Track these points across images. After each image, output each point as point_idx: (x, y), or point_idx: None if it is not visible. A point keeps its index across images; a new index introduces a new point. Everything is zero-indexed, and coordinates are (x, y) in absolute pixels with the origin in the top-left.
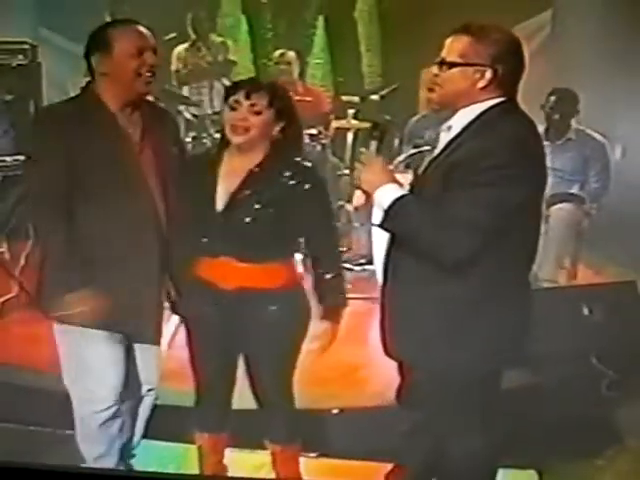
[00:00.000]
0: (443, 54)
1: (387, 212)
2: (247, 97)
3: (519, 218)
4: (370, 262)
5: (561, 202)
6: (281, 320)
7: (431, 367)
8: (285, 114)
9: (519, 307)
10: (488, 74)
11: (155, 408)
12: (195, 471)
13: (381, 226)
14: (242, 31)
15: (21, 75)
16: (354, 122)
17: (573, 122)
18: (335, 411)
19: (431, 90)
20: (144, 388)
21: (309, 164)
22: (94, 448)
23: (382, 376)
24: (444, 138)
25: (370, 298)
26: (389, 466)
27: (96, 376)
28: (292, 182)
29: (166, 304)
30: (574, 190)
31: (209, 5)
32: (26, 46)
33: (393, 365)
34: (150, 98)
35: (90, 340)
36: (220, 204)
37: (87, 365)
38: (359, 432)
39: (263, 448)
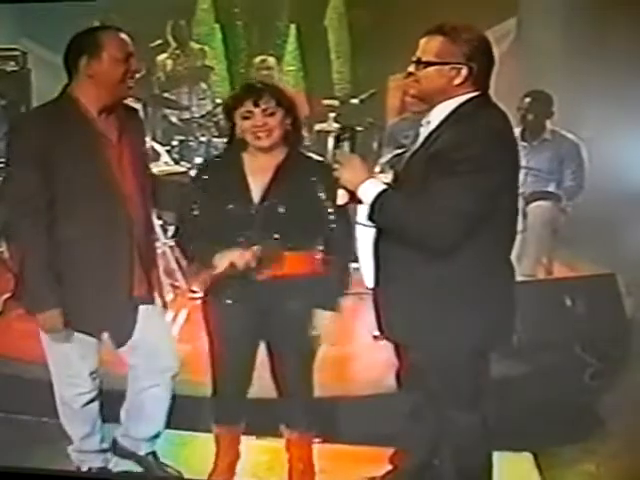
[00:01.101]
0: (419, 54)
1: (372, 206)
2: (256, 105)
3: (497, 202)
4: (355, 260)
5: (538, 200)
6: (307, 308)
7: (425, 347)
8: (291, 108)
9: (504, 285)
10: (464, 71)
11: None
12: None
13: (369, 220)
14: (217, 39)
15: (13, 81)
16: (335, 125)
17: (548, 123)
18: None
19: (405, 94)
20: (157, 378)
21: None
22: (79, 429)
23: (373, 366)
24: (423, 132)
25: (357, 293)
26: (391, 450)
27: (74, 365)
28: (311, 175)
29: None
30: (551, 188)
31: (185, 14)
32: (17, 53)
33: (382, 356)
34: (130, 103)
35: (65, 337)
36: (256, 198)
37: (65, 355)
38: (359, 419)
39: (277, 435)
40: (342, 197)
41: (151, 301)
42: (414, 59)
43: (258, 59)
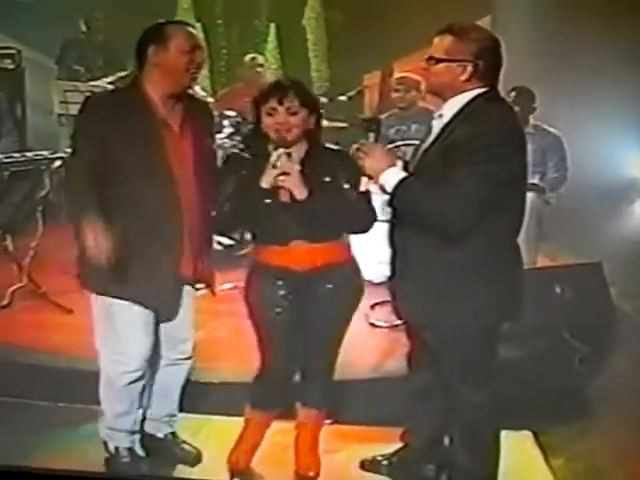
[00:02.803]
0: (431, 51)
1: (394, 192)
2: (280, 103)
3: (507, 190)
4: None
5: None
6: (338, 296)
7: (439, 327)
8: (314, 108)
9: (512, 267)
10: (469, 68)
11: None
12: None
13: (389, 205)
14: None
15: (8, 78)
16: (324, 122)
17: (531, 118)
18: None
19: (397, 91)
20: (176, 356)
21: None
22: (117, 406)
23: (371, 352)
24: (436, 125)
25: None
26: (400, 430)
27: (125, 342)
28: (334, 166)
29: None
30: (535, 180)
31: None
32: (13, 51)
33: (379, 343)
34: None
35: (121, 310)
36: (286, 194)
37: (117, 331)
38: (363, 401)
39: (292, 415)
40: (365, 184)
41: (192, 284)
42: (427, 56)
43: (248, 57)
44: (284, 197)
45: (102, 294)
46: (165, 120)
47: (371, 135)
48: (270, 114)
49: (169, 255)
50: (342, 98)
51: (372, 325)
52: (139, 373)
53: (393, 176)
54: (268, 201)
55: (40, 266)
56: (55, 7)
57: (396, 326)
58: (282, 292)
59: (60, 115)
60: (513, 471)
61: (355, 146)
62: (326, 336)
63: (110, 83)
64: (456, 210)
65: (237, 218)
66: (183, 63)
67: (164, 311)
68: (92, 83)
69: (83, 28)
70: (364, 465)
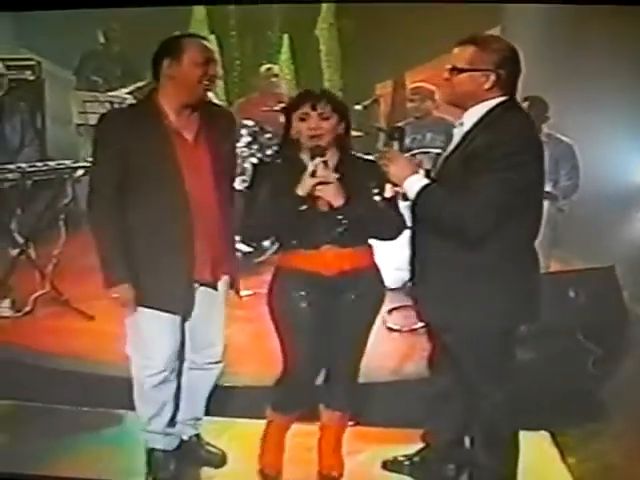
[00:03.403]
0: (453, 61)
1: (416, 199)
2: (313, 108)
3: (526, 197)
4: None
5: None
6: (363, 300)
7: (459, 328)
8: (345, 115)
9: (529, 271)
10: (492, 77)
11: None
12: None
13: (412, 211)
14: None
15: (29, 89)
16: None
17: (544, 127)
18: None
19: (412, 101)
20: (204, 360)
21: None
22: (148, 409)
23: (390, 356)
24: (457, 134)
25: None
26: (420, 431)
27: (148, 345)
28: (364, 175)
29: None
30: (548, 188)
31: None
32: (33, 62)
33: (397, 347)
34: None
35: (143, 314)
36: (324, 202)
37: (143, 335)
38: (386, 404)
39: (315, 417)
40: (389, 190)
41: (213, 286)
42: (449, 66)
43: (264, 68)
44: (322, 205)
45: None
46: (178, 130)
47: (395, 143)
48: (303, 119)
49: (181, 261)
50: (357, 107)
51: (390, 329)
52: (164, 375)
53: (416, 183)
54: (303, 208)
55: (61, 273)
56: (72, 20)
57: (413, 330)
58: (310, 296)
59: (79, 125)
60: (531, 470)
61: (377, 155)
62: (351, 339)
63: (128, 93)
64: (476, 216)
65: (270, 225)
66: (197, 75)
67: (178, 311)
68: (111, 93)
69: (101, 39)
70: (386, 465)
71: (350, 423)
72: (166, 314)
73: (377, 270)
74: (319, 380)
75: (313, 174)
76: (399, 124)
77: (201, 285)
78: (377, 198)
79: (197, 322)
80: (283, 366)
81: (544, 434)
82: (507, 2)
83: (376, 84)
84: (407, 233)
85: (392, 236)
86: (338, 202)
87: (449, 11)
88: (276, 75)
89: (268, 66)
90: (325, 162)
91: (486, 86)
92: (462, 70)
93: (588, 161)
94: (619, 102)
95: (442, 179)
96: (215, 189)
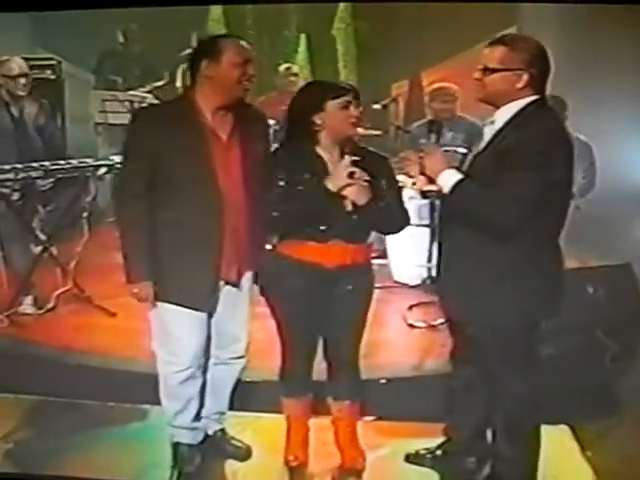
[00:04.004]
0: (484, 61)
1: (451, 193)
2: (356, 97)
3: (556, 193)
4: (380, 257)
5: None
6: (357, 294)
7: (485, 321)
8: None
9: (553, 266)
10: (525, 77)
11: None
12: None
13: (445, 204)
14: None
15: (50, 88)
16: (360, 130)
17: None
18: (383, 381)
19: (435, 101)
20: (228, 355)
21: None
22: (175, 404)
23: (413, 351)
24: (488, 132)
25: (387, 287)
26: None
27: (177, 342)
28: (377, 170)
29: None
30: None
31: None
32: (53, 62)
33: (418, 343)
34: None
35: (169, 310)
36: (349, 201)
37: (169, 332)
38: (408, 398)
39: (325, 411)
40: (421, 182)
41: (237, 285)
42: (480, 67)
43: (283, 67)
44: (347, 204)
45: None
46: (214, 130)
47: (432, 137)
48: (346, 107)
49: (209, 259)
50: (376, 106)
51: (410, 326)
52: (190, 371)
53: (451, 177)
54: (328, 202)
55: (83, 271)
56: (90, 20)
57: (433, 326)
58: (307, 285)
59: (98, 124)
60: (552, 462)
61: (401, 154)
62: (347, 330)
63: (147, 92)
64: (507, 212)
65: (294, 216)
66: (235, 76)
67: (202, 308)
68: (130, 92)
69: (120, 39)
70: (409, 458)
71: (371, 418)
72: (194, 311)
73: (371, 267)
74: (323, 376)
75: (351, 175)
76: (416, 123)
77: (226, 283)
78: (388, 192)
79: (222, 319)
80: (282, 349)
81: (564, 428)
82: (523, 2)
83: (392, 84)
84: (423, 231)
85: (396, 230)
86: (362, 202)
87: (465, 11)
88: (295, 74)
89: (287, 65)
90: (355, 161)
91: (519, 85)
92: (494, 70)
93: (604, 159)
94: (636, 101)
95: (474, 175)
96: (245, 188)
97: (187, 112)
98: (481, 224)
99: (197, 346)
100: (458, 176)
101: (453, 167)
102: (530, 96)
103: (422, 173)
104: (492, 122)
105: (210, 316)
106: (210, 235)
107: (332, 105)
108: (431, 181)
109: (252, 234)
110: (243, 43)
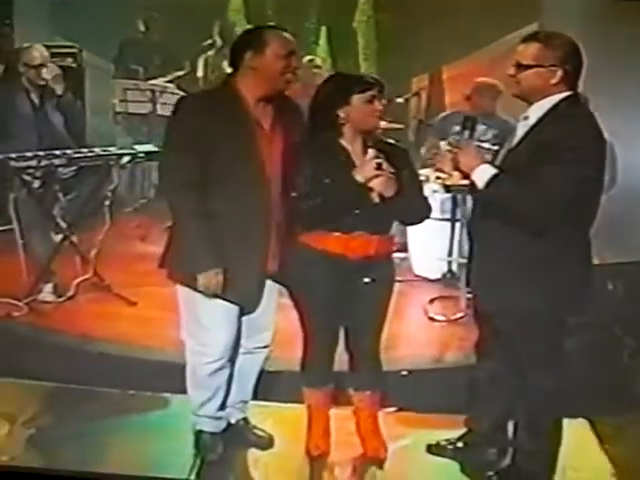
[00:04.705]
0: (518, 58)
1: (487, 187)
2: (380, 91)
3: (589, 188)
4: (400, 250)
5: None
6: (379, 285)
7: (513, 314)
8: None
9: (585, 260)
10: (559, 73)
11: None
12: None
13: (481, 198)
14: None
15: (70, 77)
16: (382, 123)
17: None
18: (404, 373)
19: (474, 94)
20: (254, 344)
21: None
22: (202, 394)
23: (433, 343)
24: (522, 127)
25: (408, 281)
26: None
27: (208, 333)
28: (400, 163)
29: None
30: None
31: (216, 16)
32: (74, 50)
33: (439, 335)
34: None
35: (205, 302)
36: (375, 193)
37: (202, 324)
38: (429, 390)
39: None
40: (455, 177)
41: (278, 279)
42: (514, 63)
43: (306, 59)
44: (374, 195)
45: (188, 286)
46: (258, 120)
47: (466, 132)
48: (370, 101)
49: (257, 252)
50: (399, 100)
51: (431, 319)
52: (221, 362)
53: (486, 172)
54: (355, 194)
55: (103, 259)
56: (110, 9)
57: (453, 320)
58: (332, 277)
59: (117, 113)
60: (571, 455)
61: (433, 149)
62: (368, 322)
63: (168, 82)
64: (544, 207)
65: (325, 210)
66: (279, 67)
67: (247, 305)
68: (152, 82)
69: (141, 28)
70: (430, 449)
71: (392, 409)
72: (227, 304)
73: (392, 259)
74: (344, 367)
75: (378, 167)
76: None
77: (269, 278)
78: (410, 184)
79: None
80: (304, 339)
81: (583, 421)
82: None
83: (412, 78)
84: (444, 225)
85: (418, 221)
86: (389, 193)
87: (487, 6)
88: (318, 66)
89: (310, 57)
90: (379, 155)
91: (553, 81)
92: (528, 66)
93: (624, 156)
94: None
95: (507, 170)
96: (285, 181)
97: (231, 101)
98: (516, 219)
99: (229, 338)
100: (492, 171)
101: (487, 162)
102: (563, 92)
103: (456, 168)
104: (526, 118)
105: (243, 310)
106: (259, 228)
107: (358, 99)
108: (464, 176)
109: (290, 226)
110: (287, 35)
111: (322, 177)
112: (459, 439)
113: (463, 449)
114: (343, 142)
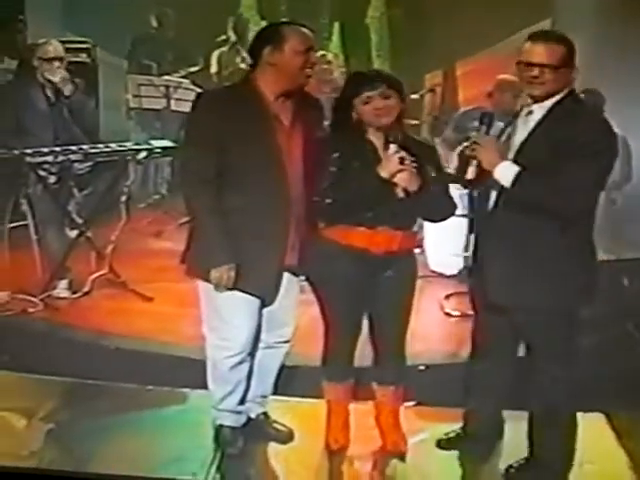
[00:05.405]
0: (538, 60)
1: (512, 184)
2: (374, 89)
3: (604, 182)
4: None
5: None
6: (402, 280)
7: (528, 308)
8: (401, 89)
9: (589, 259)
10: (575, 73)
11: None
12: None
13: (506, 195)
14: None
15: (85, 72)
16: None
17: None
18: (422, 367)
19: (496, 90)
20: (274, 339)
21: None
22: (222, 388)
23: (450, 339)
24: (525, 122)
25: (424, 276)
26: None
27: (230, 327)
28: (425, 158)
29: None
30: None
31: (228, 12)
32: (88, 45)
33: (455, 330)
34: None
35: (225, 296)
36: (400, 187)
37: (223, 318)
38: (446, 385)
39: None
40: (473, 173)
41: (297, 272)
42: (534, 64)
43: (318, 54)
44: (399, 190)
45: (208, 281)
46: (277, 116)
47: (483, 128)
48: (367, 102)
49: (276, 246)
50: (414, 96)
51: (447, 315)
52: (241, 356)
53: (509, 169)
54: (380, 189)
55: (119, 255)
56: (123, 4)
57: (469, 316)
58: (355, 271)
59: (130, 109)
60: (588, 449)
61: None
62: (392, 315)
63: (182, 78)
64: (572, 201)
65: (349, 205)
66: (298, 63)
67: (265, 297)
68: (166, 77)
69: (154, 24)
70: (440, 443)
71: (412, 403)
72: (250, 297)
73: (414, 254)
74: (364, 362)
75: (402, 161)
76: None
77: (287, 270)
78: (435, 180)
79: (274, 304)
80: (325, 334)
81: (599, 415)
82: None
83: (425, 74)
84: (461, 221)
85: (442, 218)
86: (413, 188)
87: (500, 2)
88: (329, 62)
89: (322, 53)
90: (400, 149)
91: (570, 81)
92: (556, 68)
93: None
94: None
95: (528, 166)
96: (306, 176)
97: (251, 97)
98: (547, 215)
99: (250, 332)
100: (515, 168)
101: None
102: (566, 89)
103: (478, 165)
104: (530, 113)
105: (264, 303)
106: (278, 222)
107: (357, 102)
108: (482, 171)
109: (311, 221)
110: (306, 31)
111: (346, 172)
112: (464, 432)
113: (469, 440)
114: (371, 137)
